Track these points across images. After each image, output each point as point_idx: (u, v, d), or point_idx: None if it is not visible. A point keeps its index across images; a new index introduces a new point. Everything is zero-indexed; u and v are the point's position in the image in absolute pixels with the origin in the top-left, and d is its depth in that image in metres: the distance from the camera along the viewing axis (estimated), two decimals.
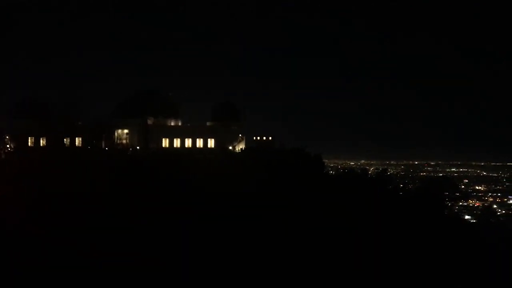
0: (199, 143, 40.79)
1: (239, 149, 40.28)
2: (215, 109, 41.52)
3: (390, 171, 44.07)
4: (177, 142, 40.55)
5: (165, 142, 40.31)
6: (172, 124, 42.36)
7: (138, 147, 38.84)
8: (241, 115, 41.89)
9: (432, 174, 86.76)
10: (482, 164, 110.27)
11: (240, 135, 41.58)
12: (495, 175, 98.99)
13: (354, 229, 16.74)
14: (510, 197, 74.98)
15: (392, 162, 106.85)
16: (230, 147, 39.68)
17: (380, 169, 37.07)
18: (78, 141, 38.44)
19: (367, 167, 59.78)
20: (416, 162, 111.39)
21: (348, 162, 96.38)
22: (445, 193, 30.31)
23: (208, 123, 41.63)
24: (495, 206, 68.41)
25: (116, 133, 39.79)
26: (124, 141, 39.81)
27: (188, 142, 40.69)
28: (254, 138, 42.03)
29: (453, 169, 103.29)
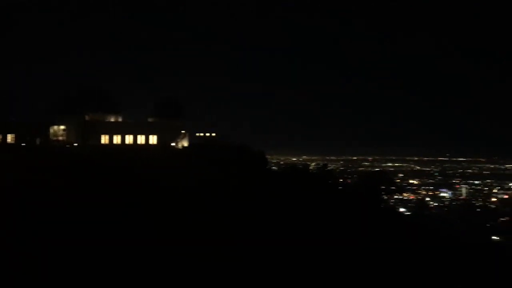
0: (141, 139, 39.90)
1: (182, 146, 39.88)
2: (157, 105, 40.85)
3: (330, 166, 45.49)
4: (117, 139, 39.40)
5: (104, 139, 39.04)
6: (112, 120, 41.15)
7: (75, 144, 37.41)
8: (184, 111, 41.52)
9: (370, 168, 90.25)
10: (416, 159, 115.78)
11: (183, 131, 41.16)
12: (428, 169, 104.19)
13: (295, 222, 17.11)
14: (441, 190, 79.30)
15: (332, 158, 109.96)
16: (173, 144, 39.17)
17: (321, 164, 38.16)
18: (10, 138, 36.62)
19: (309, 163, 61.24)
20: (355, 158, 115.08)
21: (291, 158, 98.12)
22: (382, 187, 31.56)
23: (149, 119, 40.86)
24: (427, 199, 72.24)
25: (52, 130, 38.14)
26: (60, 138, 38.26)
27: (129, 139, 39.66)
28: (197, 134, 41.80)
29: (389, 164, 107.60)
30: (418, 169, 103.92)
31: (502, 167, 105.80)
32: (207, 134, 41.88)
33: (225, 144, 38.02)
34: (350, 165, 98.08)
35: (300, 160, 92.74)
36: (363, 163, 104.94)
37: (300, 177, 27.02)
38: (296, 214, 18.03)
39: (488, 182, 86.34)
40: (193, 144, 40.21)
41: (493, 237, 41.04)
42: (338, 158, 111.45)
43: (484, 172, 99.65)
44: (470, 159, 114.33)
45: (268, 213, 17.70)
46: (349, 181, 39.18)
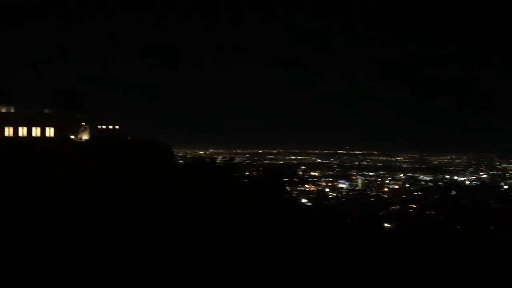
0: (36, 132, 37.20)
1: (81, 138, 37.90)
2: (55, 95, 38.38)
3: (237, 159, 46.17)
4: (9, 131, 36.43)
5: None
6: (3, 111, 37.86)
7: None
8: (85, 102, 39.44)
9: (274, 161, 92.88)
10: (317, 152, 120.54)
11: (83, 123, 39.10)
12: (327, 162, 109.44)
13: (201, 215, 17.19)
14: (340, 181, 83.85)
15: (238, 151, 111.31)
16: (73, 137, 37.09)
17: (228, 157, 38.60)
18: None
19: (216, 156, 61.52)
20: (260, 151, 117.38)
21: (198, 151, 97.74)
22: (285, 179, 32.61)
23: (46, 110, 38.23)
24: (327, 190, 76.14)
25: None
26: None
27: (22, 131, 36.84)
28: (99, 127, 40.01)
29: (292, 157, 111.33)
30: (319, 162, 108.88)
31: (394, 159, 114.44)
32: (110, 127, 40.30)
33: (128, 137, 36.87)
34: (255, 158, 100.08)
35: (207, 154, 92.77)
36: (268, 156, 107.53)
37: (206, 170, 27.10)
38: (200, 206, 18.11)
39: (381, 174, 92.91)
40: (93, 137, 38.47)
41: (385, 224, 44.10)
42: (244, 152, 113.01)
43: (377, 164, 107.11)
44: (365, 152, 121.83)
45: (167, 206, 17.54)
46: (254, 173, 40.02)
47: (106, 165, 23.08)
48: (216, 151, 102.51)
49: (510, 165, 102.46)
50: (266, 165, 67.25)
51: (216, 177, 24.88)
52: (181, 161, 44.77)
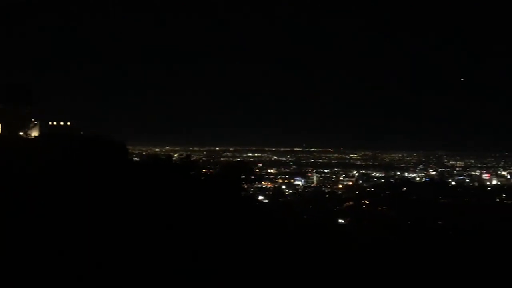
0: None
1: (32, 135, 36.48)
2: (1, 90, 36.69)
3: (193, 156, 45.80)
4: None
5: None
6: None
7: None
8: (34, 97, 37.97)
9: (231, 159, 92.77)
10: (274, 149, 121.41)
11: (33, 120, 37.63)
12: (284, 159, 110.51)
13: (153, 212, 16.96)
14: (296, 178, 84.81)
15: (195, 149, 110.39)
16: (22, 133, 35.64)
17: (184, 155, 38.19)
18: None
19: (172, 153, 60.73)
20: (217, 148, 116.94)
21: (153, 148, 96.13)
22: (242, 176, 32.70)
23: None
24: (284, 187, 76.90)
25: None
26: None
27: None
28: (50, 123, 38.66)
29: (249, 154, 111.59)
30: (275, 159, 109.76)
31: (347, 156, 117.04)
32: (61, 123, 39.04)
33: (81, 134, 35.83)
34: (212, 156, 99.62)
35: (163, 151, 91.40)
36: (225, 154, 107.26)
37: (162, 168, 26.75)
38: (153, 204, 17.86)
39: (335, 170, 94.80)
40: (43, 133, 37.12)
41: (339, 220, 45.01)
42: (201, 149, 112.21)
43: (332, 161, 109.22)
44: (320, 149, 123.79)
45: (114, 205, 17.18)
46: (211, 171, 39.90)
47: (51, 162, 22.25)
48: (172, 148, 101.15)
49: (458, 162, 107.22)
50: (223, 162, 67.14)
51: (172, 175, 24.61)
52: (136, 159, 43.94)
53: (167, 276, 13.80)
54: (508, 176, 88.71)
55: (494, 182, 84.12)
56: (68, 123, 39.03)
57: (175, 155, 48.48)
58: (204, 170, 34.75)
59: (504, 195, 66.43)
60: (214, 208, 18.74)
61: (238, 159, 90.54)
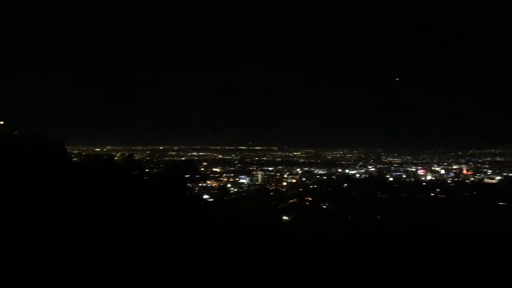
0: None
1: None
2: None
3: (136, 156, 44.77)
4: None
5: None
6: None
7: None
8: None
9: (176, 158, 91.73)
10: (218, 148, 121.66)
11: None
12: (229, 157, 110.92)
13: (96, 214, 16.52)
14: (241, 176, 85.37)
15: (138, 148, 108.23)
16: None
17: (127, 154, 37.26)
18: None
19: (114, 153, 59.11)
20: (161, 147, 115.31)
21: (94, 148, 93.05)
22: (187, 175, 32.43)
23: None
24: (229, 185, 77.20)
25: None
26: None
27: None
28: None
29: (194, 153, 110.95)
30: (220, 158, 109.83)
31: (291, 154, 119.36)
32: None
33: (15, 134, 34.01)
34: (156, 155, 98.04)
35: (104, 151, 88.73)
36: (169, 153, 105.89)
37: (103, 168, 25.99)
38: (92, 205, 17.41)
39: (280, 168, 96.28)
40: None
41: (284, 217, 45.86)
42: (145, 148, 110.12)
43: (276, 159, 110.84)
44: (265, 148, 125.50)
45: (49, 207, 16.61)
46: (155, 170, 39.24)
47: None
48: (114, 148, 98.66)
49: (395, 159, 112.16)
50: (167, 161, 66.26)
51: (113, 175, 23.97)
52: (75, 159, 42.41)
53: (111, 282, 13.52)
54: (442, 172, 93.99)
55: (428, 177, 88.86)
56: (1, 122, 37.00)
57: (117, 155, 47.29)
58: (147, 170, 34.12)
59: (438, 189, 70.38)
60: (158, 207, 18.54)
61: (183, 158, 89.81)
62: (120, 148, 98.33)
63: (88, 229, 15.40)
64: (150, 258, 14.46)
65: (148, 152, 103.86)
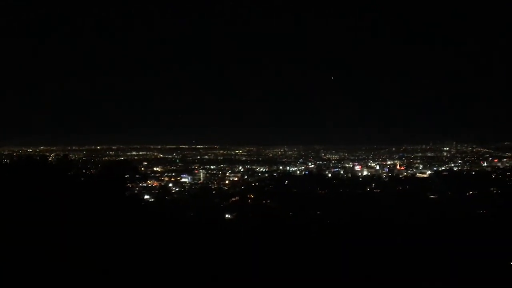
0: None
1: None
2: None
3: (72, 156, 43.09)
4: None
5: None
6: None
7: None
8: None
9: (114, 158, 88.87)
10: (159, 147, 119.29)
11: None
12: (170, 157, 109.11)
13: (29, 217, 15.80)
14: (182, 175, 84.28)
15: (74, 148, 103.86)
16: None
17: (61, 155, 35.79)
18: None
19: (48, 154, 56.44)
20: (99, 147, 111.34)
21: (26, 149, 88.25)
22: (126, 176, 31.69)
23: None
24: (170, 185, 76.10)
25: None
26: None
27: None
28: None
29: (133, 153, 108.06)
30: (161, 157, 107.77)
31: (233, 153, 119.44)
32: None
33: None
34: (93, 155, 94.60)
35: (37, 152, 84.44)
36: (107, 153, 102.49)
37: (35, 170, 24.84)
38: (23, 209, 16.64)
39: (222, 167, 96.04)
40: None
41: (226, 215, 45.91)
42: (81, 148, 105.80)
43: (219, 158, 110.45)
44: (206, 146, 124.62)
45: None
46: (93, 171, 37.98)
47: None
48: (48, 148, 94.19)
49: (333, 156, 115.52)
50: (105, 162, 64.27)
51: (46, 177, 22.98)
52: (5, 161, 40.24)
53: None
54: (377, 167, 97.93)
55: (365, 173, 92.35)
56: None
57: (52, 156, 45.22)
58: (84, 170, 32.96)
59: (373, 184, 73.29)
60: (94, 209, 18.02)
61: (122, 158, 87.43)
62: (54, 148, 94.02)
63: (16, 234, 14.69)
64: (85, 261, 14.02)
65: (84, 152, 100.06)
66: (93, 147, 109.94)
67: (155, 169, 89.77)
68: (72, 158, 37.49)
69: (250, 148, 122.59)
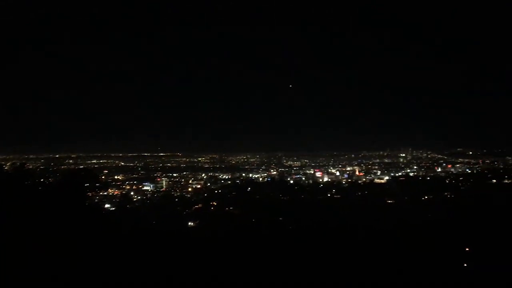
0: None
1: None
2: None
3: (29, 165, 41.91)
4: None
5: None
6: None
7: None
8: None
9: (74, 166, 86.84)
10: (120, 155, 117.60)
11: None
12: (132, 164, 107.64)
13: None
14: (144, 183, 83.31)
15: (31, 156, 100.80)
16: None
17: (18, 163, 34.74)
18: None
19: (3, 163, 54.49)
20: (58, 156, 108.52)
21: None
22: (86, 185, 31.11)
23: None
24: (132, 193, 75.03)
25: None
26: None
27: None
28: None
29: (94, 161, 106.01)
30: (122, 165, 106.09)
31: (196, 160, 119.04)
32: None
33: None
34: (52, 164, 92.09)
35: None
36: (66, 161, 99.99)
37: None
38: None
39: (184, 174, 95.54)
40: None
41: (189, 223, 45.65)
42: (39, 157, 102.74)
43: (181, 165, 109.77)
44: (169, 153, 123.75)
45: None
46: (51, 180, 37.05)
47: None
48: (3, 157, 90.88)
49: (295, 162, 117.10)
50: (64, 170, 62.65)
51: (2, 186, 22.33)
52: None
53: None
54: (337, 173, 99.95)
55: (325, 179, 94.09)
56: None
57: (7, 164, 43.71)
58: (42, 180, 32.11)
59: (334, 190, 74.65)
60: (53, 219, 17.77)
61: (82, 166, 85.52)
62: (10, 157, 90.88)
63: None
64: (42, 272, 13.86)
65: (42, 160, 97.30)
66: (51, 155, 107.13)
67: (116, 177, 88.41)
68: (30, 167, 36.47)
69: (213, 156, 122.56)
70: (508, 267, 19.43)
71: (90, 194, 31.59)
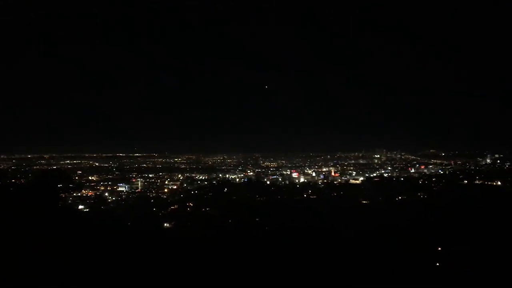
0: None
1: None
2: None
3: (0, 166, 40.94)
4: None
5: None
6: None
7: None
8: None
9: (46, 167, 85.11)
10: (95, 155, 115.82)
11: None
12: (106, 165, 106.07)
13: None
14: (119, 184, 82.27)
15: (3, 156, 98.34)
16: None
17: None
18: None
19: None
20: (30, 156, 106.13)
21: None
22: (59, 185, 30.59)
23: None
24: (106, 194, 73.95)
25: None
26: None
27: None
28: None
29: (67, 162, 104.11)
30: (97, 166, 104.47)
31: (172, 160, 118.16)
32: None
33: None
34: (24, 164, 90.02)
35: None
36: (39, 162, 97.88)
37: None
38: None
39: (160, 175, 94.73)
40: None
41: (165, 224, 45.23)
42: (10, 157, 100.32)
43: (157, 166, 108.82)
44: (145, 154, 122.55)
45: None
46: (23, 181, 36.29)
47: None
48: None
49: (272, 163, 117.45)
50: (36, 171, 61.41)
51: None
52: None
53: None
54: (313, 174, 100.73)
55: (302, 179, 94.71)
56: None
57: None
58: (13, 180, 31.44)
59: (310, 190, 75.17)
60: (24, 221, 17.40)
61: (54, 167, 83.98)
62: None
63: None
64: (15, 274, 13.54)
65: (14, 161, 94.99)
66: (23, 155, 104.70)
67: (90, 178, 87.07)
68: (1, 167, 35.68)
69: (190, 156, 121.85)
70: (479, 265, 19.95)
71: (63, 195, 31.05)
